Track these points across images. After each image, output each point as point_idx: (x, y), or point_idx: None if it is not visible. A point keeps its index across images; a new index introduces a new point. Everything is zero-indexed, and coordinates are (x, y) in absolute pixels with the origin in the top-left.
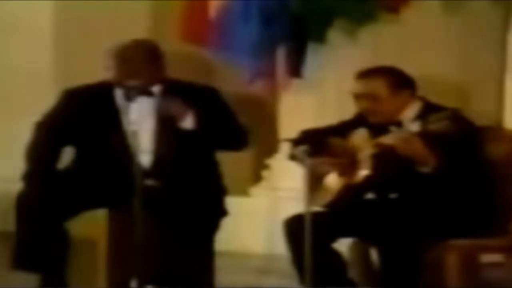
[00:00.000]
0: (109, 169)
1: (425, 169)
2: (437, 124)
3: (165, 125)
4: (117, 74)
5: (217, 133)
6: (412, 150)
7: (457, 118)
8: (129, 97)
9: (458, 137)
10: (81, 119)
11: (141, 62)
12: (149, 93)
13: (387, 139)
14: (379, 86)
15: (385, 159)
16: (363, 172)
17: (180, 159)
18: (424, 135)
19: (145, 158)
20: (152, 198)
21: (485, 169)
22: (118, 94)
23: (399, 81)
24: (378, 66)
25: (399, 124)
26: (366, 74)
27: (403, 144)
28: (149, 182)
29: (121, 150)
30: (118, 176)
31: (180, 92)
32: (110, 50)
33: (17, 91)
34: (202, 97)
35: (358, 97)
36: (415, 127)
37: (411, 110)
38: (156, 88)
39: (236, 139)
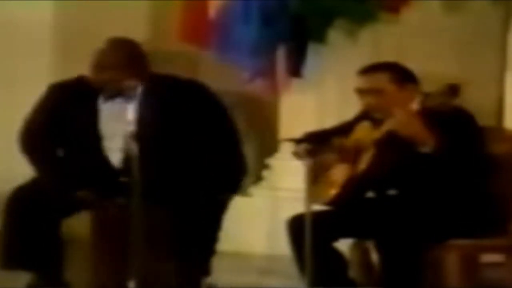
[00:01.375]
0: (91, 166)
1: (425, 149)
2: (435, 100)
3: (143, 125)
4: (95, 79)
5: (204, 131)
6: (411, 130)
7: (454, 92)
8: (105, 100)
9: (456, 113)
10: (65, 113)
11: (117, 69)
12: (125, 96)
13: (387, 125)
14: (384, 81)
15: (386, 145)
16: (367, 162)
17: (161, 158)
18: (423, 114)
19: (117, 156)
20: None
21: (484, 155)
22: (97, 94)
23: (403, 76)
24: (382, 62)
25: None
26: (370, 69)
27: (403, 125)
28: (124, 179)
29: (96, 147)
30: (99, 174)
31: (163, 88)
32: (92, 54)
33: (17, 91)
34: (187, 93)
35: (362, 92)
36: (413, 105)
37: (416, 104)
38: (136, 89)
39: (224, 138)
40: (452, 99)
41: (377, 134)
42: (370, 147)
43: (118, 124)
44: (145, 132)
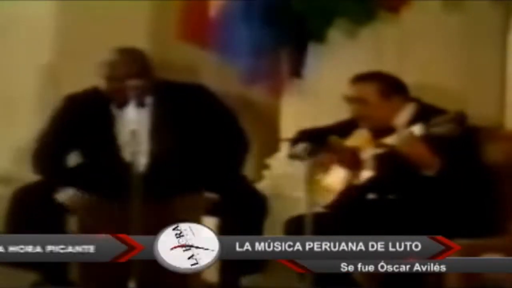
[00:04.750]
0: (106, 170)
1: (428, 172)
2: (441, 128)
3: (159, 130)
4: (109, 88)
5: (213, 131)
6: (414, 153)
7: (461, 120)
8: (124, 107)
9: (461, 140)
10: (80, 123)
11: (133, 77)
12: (144, 104)
13: (390, 140)
14: (369, 91)
15: (387, 160)
16: (366, 172)
17: (178, 160)
18: (428, 138)
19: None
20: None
21: (486, 171)
22: (112, 102)
23: (390, 87)
24: (371, 72)
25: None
26: (358, 79)
27: (406, 147)
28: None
29: (114, 153)
30: (113, 176)
31: (171, 94)
32: (102, 64)
33: (18, 92)
34: (193, 96)
35: (349, 100)
36: (417, 130)
37: (405, 115)
38: (149, 96)
39: (234, 137)
40: (458, 128)
41: (376, 146)
42: (370, 157)
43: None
44: (158, 136)
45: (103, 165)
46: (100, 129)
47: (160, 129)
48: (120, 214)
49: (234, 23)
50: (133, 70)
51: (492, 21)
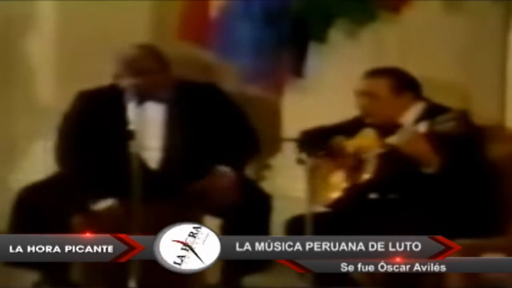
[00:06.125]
0: (116, 168)
1: (429, 170)
2: (444, 125)
3: (175, 127)
4: (130, 83)
5: (225, 129)
6: (417, 150)
7: (464, 119)
8: (141, 104)
9: (464, 139)
10: (93, 120)
11: (153, 72)
12: (162, 100)
13: (393, 139)
14: (381, 86)
15: (390, 159)
16: (368, 173)
17: (190, 157)
18: (430, 136)
19: (154, 156)
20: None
21: (487, 170)
22: (129, 99)
23: (402, 84)
24: (384, 67)
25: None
26: (371, 74)
27: (409, 144)
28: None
29: (127, 150)
30: (123, 173)
31: (185, 92)
32: (120, 60)
33: (17, 91)
34: (206, 95)
35: (359, 94)
36: (421, 127)
37: (412, 113)
38: (166, 93)
39: (244, 137)
40: (462, 126)
41: (382, 146)
42: (374, 157)
43: (151, 126)
44: (170, 133)
45: (116, 162)
46: (115, 126)
47: (173, 127)
48: (131, 212)
49: (235, 23)
50: (154, 66)
51: (493, 21)
